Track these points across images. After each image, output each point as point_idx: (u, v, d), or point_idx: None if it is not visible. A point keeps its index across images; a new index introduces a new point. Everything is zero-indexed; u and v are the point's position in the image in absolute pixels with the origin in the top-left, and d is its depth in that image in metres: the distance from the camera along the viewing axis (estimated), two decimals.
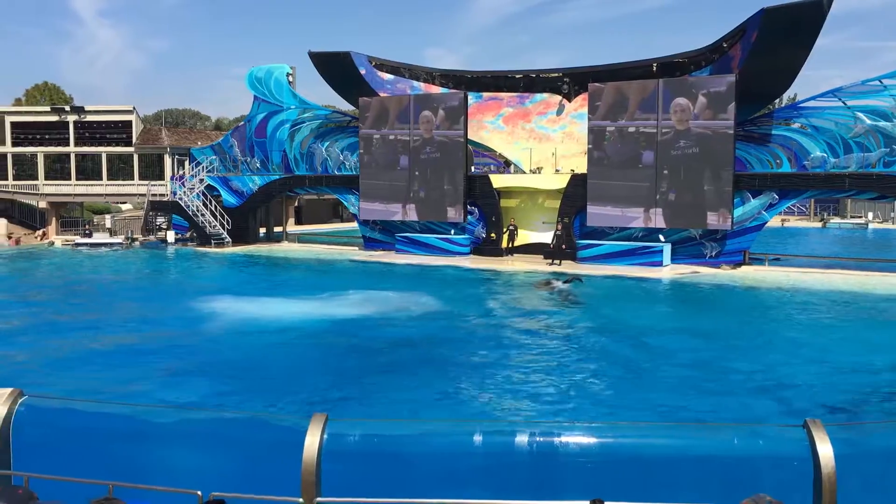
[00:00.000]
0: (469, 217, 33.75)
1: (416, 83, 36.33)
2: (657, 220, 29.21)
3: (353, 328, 17.78)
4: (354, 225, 39.71)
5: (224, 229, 38.93)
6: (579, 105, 33.29)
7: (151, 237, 43.11)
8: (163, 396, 11.67)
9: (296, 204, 54.35)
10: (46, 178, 46.75)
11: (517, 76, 35.03)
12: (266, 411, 10.29)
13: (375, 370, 14.07)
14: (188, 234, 41.60)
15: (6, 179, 46.72)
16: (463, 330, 17.56)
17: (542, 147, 34.12)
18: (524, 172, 34.32)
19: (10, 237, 43.50)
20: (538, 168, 33.52)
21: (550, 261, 29.80)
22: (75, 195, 46.77)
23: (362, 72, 36.14)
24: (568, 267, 28.86)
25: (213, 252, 37.02)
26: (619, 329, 16.93)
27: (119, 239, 41.56)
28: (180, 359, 14.67)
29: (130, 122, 46.47)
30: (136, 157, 46.15)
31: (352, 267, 31.32)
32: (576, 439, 4.54)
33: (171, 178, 43.09)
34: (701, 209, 28.52)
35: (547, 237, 32.12)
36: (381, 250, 35.30)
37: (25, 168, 47.42)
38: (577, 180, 31.13)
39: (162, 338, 16.63)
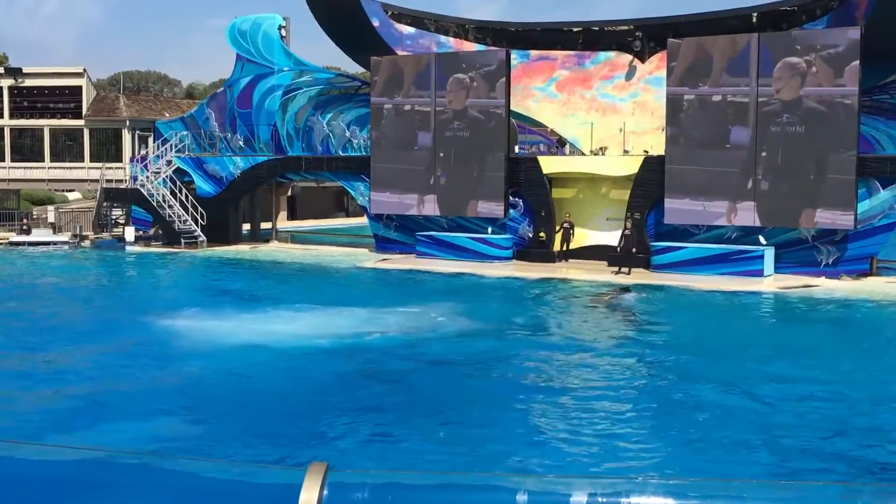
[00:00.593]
0: (511, 211, 33.66)
1: (444, 38, 36.37)
2: (750, 216, 28.93)
3: (356, 354, 17.73)
4: (364, 220, 39.81)
5: (197, 225, 39.20)
6: (655, 67, 33.09)
7: (105, 235, 43.54)
8: (110, 440, 11.69)
9: (289, 193, 54.63)
10: None
11: (575, 29, 34.92)
12: (246, 461, 10.23)
13: (387, 407, 13.99)
14: (152, 231, 41.93)
15: None
16: (501, 361, 17.44)
17: (606, 121, 33.96)
18: (583, 154, 34.16)
19: None
20: (601, 149, 33.36)
21: (617, 268, 29.62)
22: (10, 181, 47.40)
23: (375, 24, 36.25)
24: (639, 277, 28.65)
25: (184, 254, 37.28)
26: (708, 368, 16.63)
27: (65, 237, 42.03)
28: (132, 392, 14.68)
29: (80, 87, 46.98)
30: (86, 133, 46.64)
31: (359, 275, 31.32)
32: (650, 501, 4.43)
33: (131, 160, 43.53)
34: (813, 202, 28.19)
35: (611, 237, 31.90)
36: (398, 253, 35.33)
37: None
38: (651, 164, 30.94)
39: (107, 365, 16.68)
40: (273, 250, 38.87)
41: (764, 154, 28.68)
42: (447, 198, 34.22)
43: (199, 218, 39.25)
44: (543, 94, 35.30)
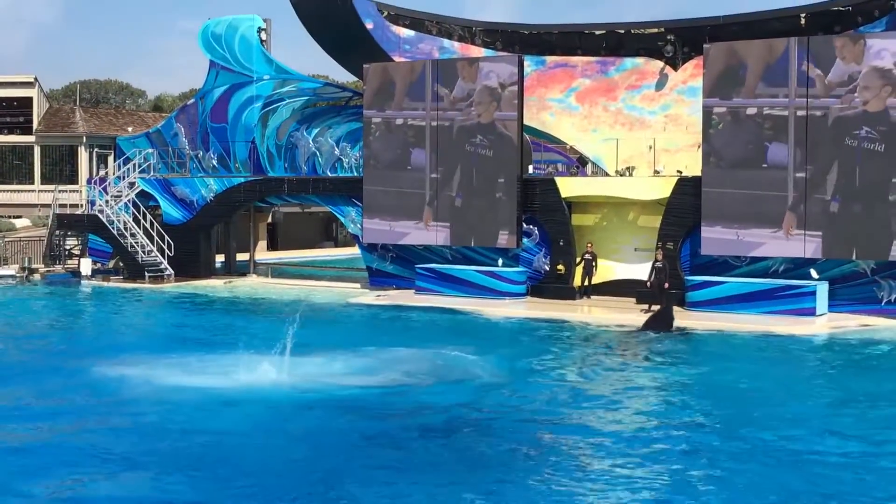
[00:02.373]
0: (525, 241, 33.73)
1: (447, 42, 36.63)
2: (797, 246, 29.00)
3: (351, 408, 17.75)
4: (355, 251, 39.91)
5: (164, 257, 39.30)
6: (689, 75, 33.25)
7: (58, 267, 43.62)
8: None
9: (269, 220, 54.75)
10: None
11: (597, 32, 35.12)
12: None
13: (390, 478, 14.00)
14: (111, 264, 42.05)
15: None
16: (513, 423, 17.42)
17: (634, 137, 34.07)
18: (607, 175, 34.24)
19: None
20: (628, 169, 33.44)
21: (647, 306, 29.61)
22: None
23: (369, 26, 36.53)
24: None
25: (148, 289, 37.33)
26: (754, 431, 16.51)
27: (11, 270, 42.09)
28: (74, 457, 14.68)
29: (30, 98, 47.37)
30: (37, 150, 46.93)
31: (349, 314, 31.32)
32: None
33: (89, 182, 43.71)
34: (873, 229, 28.23)
35: (640, 270, 31.89)
36: (395, 288, 35.36)
37: None
38: (686, 187, 31.02)
39: (51, 424, 16.64)
40: (251, 285, 38.91)
41: (809, 174, 28.75)
42: (455, 224, 34.26)
43: (165, 248, 39.34)
44: (561, 106, 35.46)
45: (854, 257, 28.74)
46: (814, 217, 28.86)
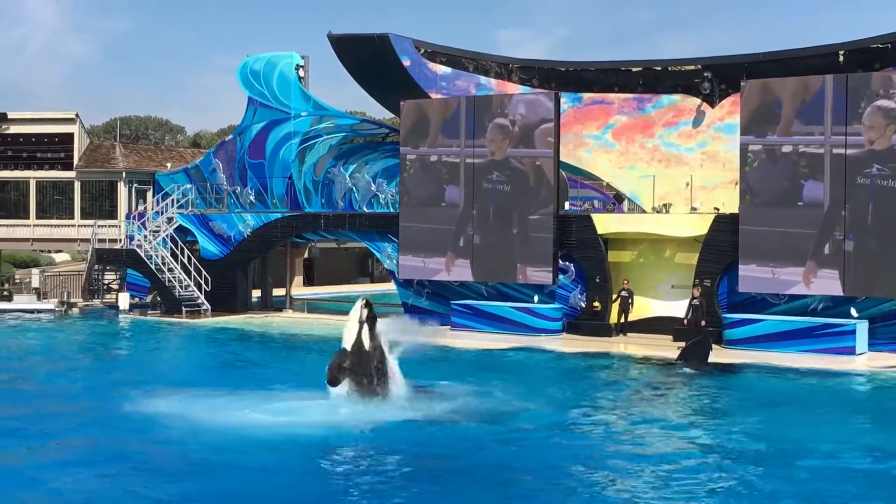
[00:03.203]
0: (561, 277, 33.70)
1: (483, 79, 36.79)
2: (834, 284, 28.80)
3: (393, 443, 17.76)
4: (391, 287, 39.97)
5: (201, 291, 39.55)
6: (726, 112, 33.19)
7: (96, 302, 44.04)
8: None
9: (306, 256, 55.00)
10: None
11: (634, 69, 35.16)
12: None
13: None
14: (149, 299, 42.36)
15: None
16: (547, 457, 17.35)
17: (670, 174, 34.01)
18: (644, 211, 34.19)
19: None
20: (665, 205, 33.37)
21: (684, 344, 29.40)
22: None
23: (406, 63, 36.78)
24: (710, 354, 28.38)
25: (185, 324, 37.55)
26: (800, 474, 16.33)
27: (50, 304, 42.51)
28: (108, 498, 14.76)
29: (72, 134, 47.93)
30: (77, 186, 47.46)
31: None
32: None
33: (128, 217, 44.14)
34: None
35: (677, 308, 31.77)
36: (431, 324, 35.32)
37: None
38: (723, 224, 30.93)
39: (87, 460, 16.72)
40: (287, 321, 39.03)
41: (849, 212, 28.61)
42: (484, 261, 34.31)
43: (202, 283, 39.60)
44: (598, 142, 35.47)
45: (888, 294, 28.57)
46: (841, 255, 28.68)
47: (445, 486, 15.19)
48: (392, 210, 37.36)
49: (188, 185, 42.25)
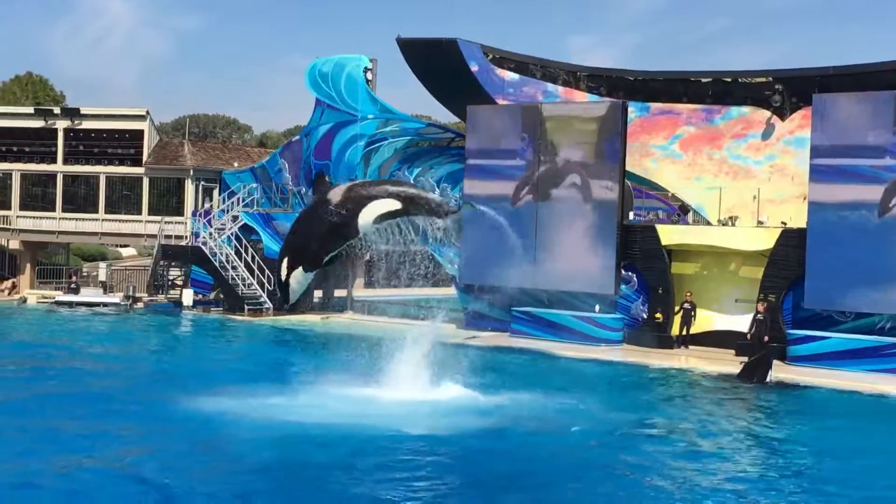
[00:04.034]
0: (623, 287, 33.48)
1: (551, 86, 36.66)
2: None
3: (441, 446, 17.73)
4: (451, 292, 39.95)
5: (263, 290, 39.83)
6: (797, 126, 32.78)
7: (161, 297, 44.52)
8: None
9: (367, 258, 55.17)
10: (22, 208, 49.13)
11: (704, 80, 34.85)
12: None
13: None
14: (212, 295, 42.74)
15: None
16: (601, 466, 17.24)
17: (738, 186, 33.68)
18: (709, 224, 33.88)
19: None
20: (731, 218, 33.04)
21: (747, 359, 29.06)
22: (60, 233, 48.91)
23: (474, 68, 36.76)
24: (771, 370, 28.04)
25: (246, 322, 37.85)
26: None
27: (116, 298, 43.09)
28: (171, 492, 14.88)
29: (142, 131, 48.47)
30: (145, 182, 48.00)
31: (445, 355, 31.26)
32: None
33: (194, 214, 44.59)
34: None
35: (740, 322, 31.45)
36: (490, 330, 35.30)
37: None
38: (790, 239, 30.55)
39: (152, 460, 16.87)
40: (347, 322, 39.18)
41: None
42: (547, 269, 34.15)
43: (265, 282, 39.88)
44: (664, 153, 35.20)
45: None
46: None
47: (506, 494, 15.15)
48: None
49: (254, 185, 42.59)
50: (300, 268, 26.56)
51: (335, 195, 25.48)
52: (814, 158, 29.94)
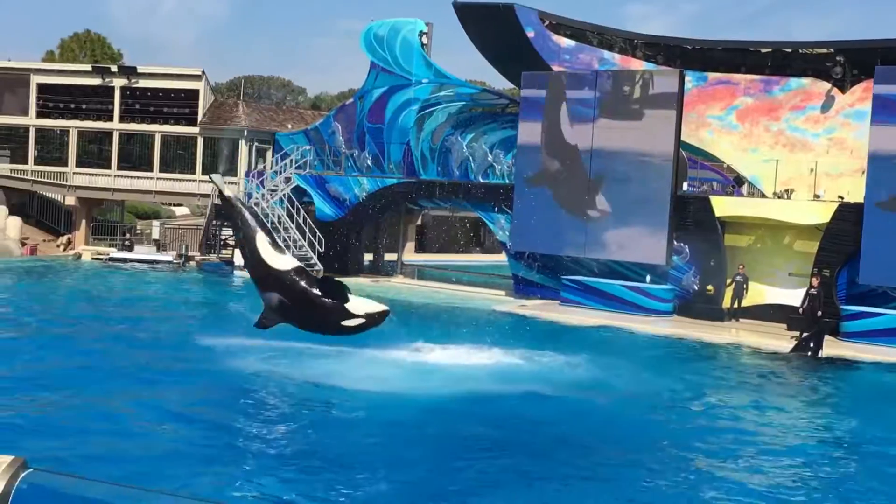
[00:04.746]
0: (675, 258, 33.26)
1: (607, 54, 36.36)
2: None
3: (468, 412, 17.80)
4: (502, 258, 39.95)
5: (314, 252, 40.02)
6: (857, 98, 32.28)
7: (212, 256, 44.88)
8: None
9: (418, 222, 55.31)
10: (78, 165, 49.65)
11: (763, 50, 34.42)
12: None
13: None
14: None
15: (26, 163, 49.94)
16: (654, 438, 17.18)
17: (795, 159, 33.29)
18: (764, 196, 33.55)
19: (23, 243, 46.37)
20: (787, 191, 32.69)
21: (799, 334, 28.81)
22: (115, 190, 49.42)
23: (530, 34, 36.53)
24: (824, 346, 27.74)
25: None
26: None
27: (169, 256, 43.51)
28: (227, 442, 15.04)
29: (197, 91, 48.74)
30: (200, 142, 48.32)
31: (493, 321, 31.35)
32: None
33: (247, 175, 44.83)
34: None
35: (793, 296, 31.14)
36: (539, 298, 35.28)
37: (52, 148, 50.55)
38: (847, 213, 30.17)
39: (198, 417, 17.06)
40: (397, 286, 39.29)
41: None
42: (598, 237, 34.01)
43: (316, 244, 40.06)
44: (721, 123, 34.84)
45: None
46: None
47: (557, 460, 15.17)
48: (508, 181, 37.26)
49: (307, 147, 42.71)
50: None
51: None
52: (875, 132, 29.48)
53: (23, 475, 4.22)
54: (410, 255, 49.34)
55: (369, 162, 41.45)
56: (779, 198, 32.65)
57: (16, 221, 47.08)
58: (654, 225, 33.13)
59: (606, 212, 33.94)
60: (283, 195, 41.00)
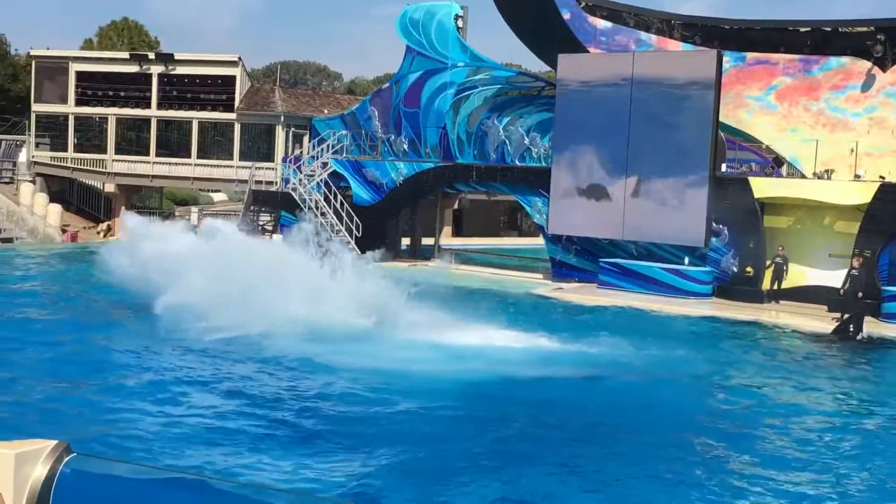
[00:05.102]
0: (714, 240, 33.05)
1: (644, 35, 36.13)
2: None
3: (510, 393, 17.79)
4: (539, 242, 39.87)
5: (351, 236, 40.12)
6: None
7: None
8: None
9: (455, 206, 55.30)
10: (117, 152, 50.00)
11: (802, 30, 34.06)
12: None
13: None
14: None
15: (66, 151, 50.35)
16: (694, 421, 17.11)
17: (835, 139, 32.97)
18: (804, 177, 33.26)
19: (64, 230, 46.83)
20: (827, 171, 32.39)
21: (840, 315, 28.57)
22: (153, 177, 49.77)
23: (566, 16, 36.36)
24: (866, 327, 27.48)
25: None
26: None
27: None
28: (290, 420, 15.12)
29: (234, 77, 48.93)
30: (237, 128, 48.51)
31: (530, 304, 31.32)
32: None
33: (284, 160, 44.98)
34: None
35: (833, 277, 30.87)
36: (576, 281, 35.18)
37: (91, 136, 50.91)
38: (889, 193, 29.84)
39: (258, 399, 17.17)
40: (434, 270, 39.24)
41: None
42: (636, 220, 33.85)
43: (353, 228, 40.15)
44: (759, 104, 34.55)
45: None
46: None
47: (599, 443, 15.16)
48: (544, 164, 37.15)
49: (344, 132, 42.77)
50: None
51: None
52: None
53: (66, 459, 4.26)
54: (447, 239, 49.37)
55: (405, 146, 41.48)
56: (819, 178, 32.36)
57: (56, 209, 47.52)
58: (693, 207, 32.94)
59: (645, 194, 33.76)
60: (321, 180, 41.11)
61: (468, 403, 17.16)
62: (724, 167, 34.32)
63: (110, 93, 49.97)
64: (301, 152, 44.88)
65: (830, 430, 16.52)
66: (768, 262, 32.26)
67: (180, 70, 49.29)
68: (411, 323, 23.36)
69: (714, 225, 33.01)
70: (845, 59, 33.12)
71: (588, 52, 36.01)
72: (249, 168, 45.15)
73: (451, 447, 14.44)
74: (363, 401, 16.78)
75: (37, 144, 50.57)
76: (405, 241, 44.14)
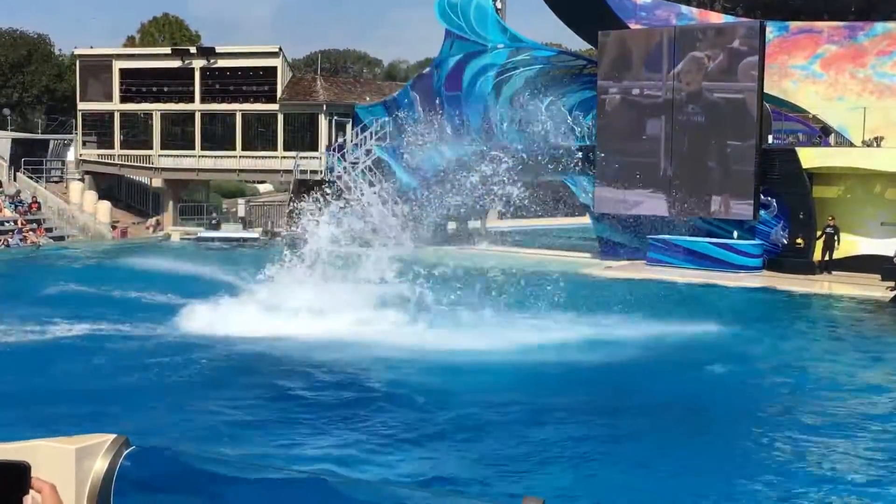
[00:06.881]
0: (763, 213, 32.74)
1: (685, 8, 35.83)
2: None
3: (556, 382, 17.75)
4: (585, 221, 39.69)
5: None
6: None
7: (298, 230, 45.24)
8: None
9: None
10: (163, 148, 50.33)
11: None
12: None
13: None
14: None
15: (112, 148, 50.78)
16: (748, 396, 17.00)
17: (884, 106, 32.56)
18: (852, 145, 32.87)
19: (114, 226, 47.28)
20: (876, 139, 32.00)
21: (893, 284, 28.23)
22: (199, 171, 50.04)
23: None
24: None
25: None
26: None
27: (255, 233, 44.01)
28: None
29: (275, 68, 49.02)
30: (280, 118, 48.64)
31: (582, 284, 31.12)
32: None
33: (328, 149, 45.07)
34: None
35: (885, 246, 30.51)
36: (625, 259, 34.99)
37: (136, 132, 51.30)
38: None
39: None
40: (480, 253, 39.19)
41: None
42: (684, 196, 33.61)
43: (399, 214, 40.13)
44: (805, 73, 34.16)
45: None
46: None
47: (642, 420, 15.09)
48: (588, 143, 36.94)
49: (386, 118, 42.75)
50: None
51: None
52: None
53: (126, 452, 4.28)
54: (493, 222, 49.22)
55: (448, 130, 41.38)
56: (868, 146, 32.00)
57: (105, 206, 47.99)
58: (740, 180, 32.64)
59: (691, 169, 33.51)
60: (365, 167, 41.15)
61: (523, 386, 17.13)
62: (770, 139, 33.98)
63: (154, 89, 50.25)
64: (345, 140, 44.92)
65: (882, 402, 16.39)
66: (819, 233, 31.96)
67: (222, 63, 49.47)
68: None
69: (763, 197, 32.71)
70: (891, 25, 32.71)
71: (628, 27, 35.72)
72: (294, 158, 45.29)
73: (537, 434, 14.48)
74: (428, 388, 16.83)
75: (84, 143, 51.00)
76: (451, 226, 44.08)
